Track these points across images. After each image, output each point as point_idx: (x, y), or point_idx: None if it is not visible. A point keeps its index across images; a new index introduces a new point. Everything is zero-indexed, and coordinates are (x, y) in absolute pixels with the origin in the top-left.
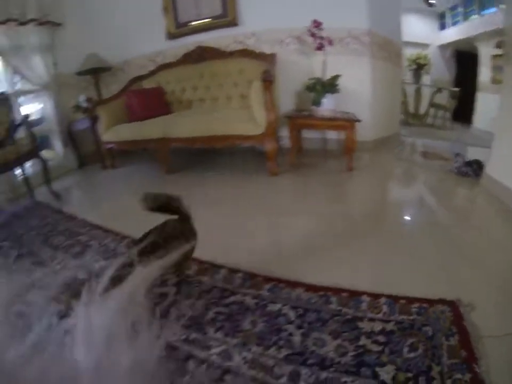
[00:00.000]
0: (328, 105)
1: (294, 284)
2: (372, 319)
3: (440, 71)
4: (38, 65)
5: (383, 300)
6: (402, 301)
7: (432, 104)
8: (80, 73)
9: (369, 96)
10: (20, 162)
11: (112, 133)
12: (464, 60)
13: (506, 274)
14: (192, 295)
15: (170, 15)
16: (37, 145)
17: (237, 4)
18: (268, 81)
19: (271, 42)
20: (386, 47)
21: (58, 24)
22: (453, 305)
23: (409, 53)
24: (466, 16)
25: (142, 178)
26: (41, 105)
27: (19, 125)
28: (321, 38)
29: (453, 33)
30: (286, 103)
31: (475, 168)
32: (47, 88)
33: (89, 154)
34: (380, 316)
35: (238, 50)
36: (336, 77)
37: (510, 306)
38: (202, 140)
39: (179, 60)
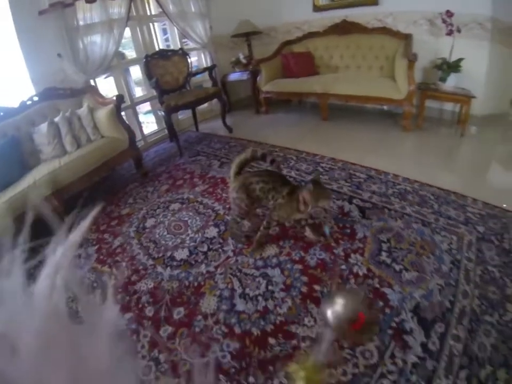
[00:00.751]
0: (451, 82)
1: None
2: None
3: None
4: (198, 28)
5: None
6: None
7: None
8: (235, 36)
9: (484, 77)
10: (204, 101)
11: (273, 85)
12: None
13: None
14: None
15: None
16: (219, 89)
17: None
18: (411, 61)
19: (406, 22)
20: (508, 33)
21: None
22: None
23: None
24: None
25: (298, 123)
26: (203, 60)
27: (195, 74)
28: (451, 25)
29: None
30: (415, 76)
31: None
32: (206, 47)
33: (236, 101)
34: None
35: (379, 28)
36: (460, 60)
37: None
38: (356, 98)
39: (326, 30)
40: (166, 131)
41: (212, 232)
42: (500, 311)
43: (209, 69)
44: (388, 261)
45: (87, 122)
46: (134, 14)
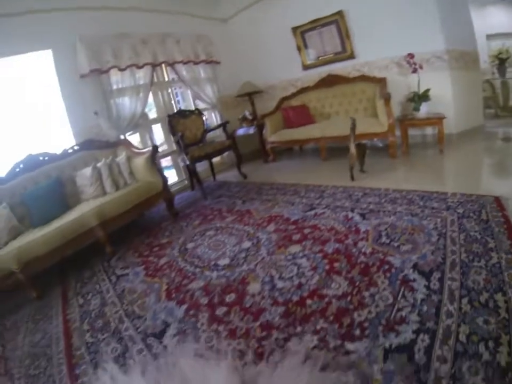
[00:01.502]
0: (424, 110)
1: None
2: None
3: None
4: (208, 91)
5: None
6: None
7: None
8: (239, 96)
9: (451, 100)
10: (221, 152)
11: (277, 135)
12: None
13: None
14: None
15: (303, 52)
16: (233, 142)
17: (352, 43)
18: (386, 99)
19: (379, 68)
20: (462, 58)
21: (218, 62)
22: None
23: (495, 45)
24: None
25: (302, 165)
26: (213, 118)
27: (210, 130)
28: (415, 64)
29: None
30: (394, 110)
31: None
32: (215, 107)
33: (244, 155)
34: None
35: (358, 76)
36: (427, 90)
37: None
38: (347, 137)
39: (315, 84)
40: (186, 182)
41: (247, 244)
42: (486, 258)
43: (223, 125)
44: (387, 241)
45: (124, 168)
46: (155, 80)
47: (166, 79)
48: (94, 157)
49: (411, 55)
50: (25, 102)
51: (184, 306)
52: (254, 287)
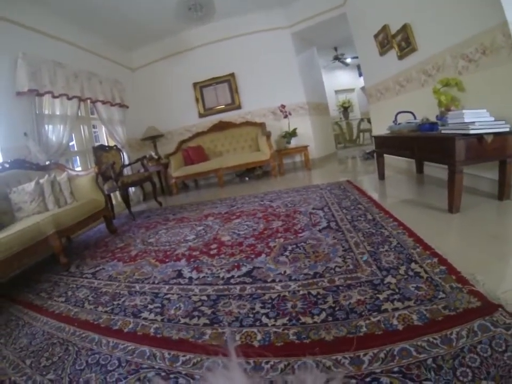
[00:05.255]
0: (293, 142)
1: None
2: None
3: (364, 104)
4: (119, 132)
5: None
6: None
7: (360, 130)
8: (143, 139)
9: (312, 135)
10: (143, 181)
11: (180, 171)
12: None
13: None
14: None
15: (200, 103)
16: (151, 173)
17: (240, 96)
18: (267, 136)
19: (259, 115)
20: (318, 107)
21: (127, 107)
22: None
23: (341, 97)
24: None
25: (201, 194)
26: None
27: (128, 164)
28: (286, 111)
29: None
30: (273, 145)
31: (370, 155)
32: (123, 147)
33: (148, 191)
34: None
35: (243, 122)
36: (295, 129)
37: None
38: (240, 165)
39: (209, 129)
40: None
41: (200, 228)
42: (344, 203)
43: (142, 159)
44: (292, 206)
45: (65, 187)
46: (79, 114)
47: (90, 115)
48: (27, 177)
49: (283, 105)
50: None
51: (183, 260)
52: (226, 238)
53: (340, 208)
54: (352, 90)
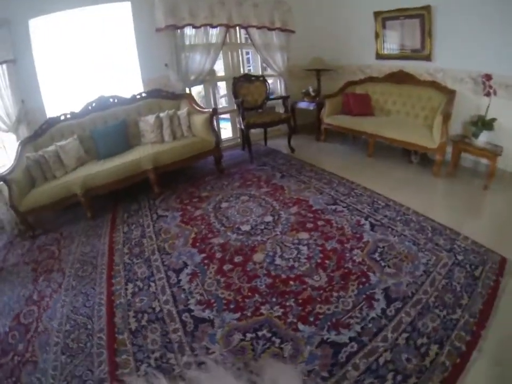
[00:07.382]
0: (482, 138)
1: None
2: None
3: None
4: (278, 58)
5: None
6: None
7: None
8: (308, 70)
9: None
10: (276, 124)
11: (333, 119)
12: None
13: None
14: None
15: (380, 40)
16: (290, 116)
17: (433, 43)
18: (445, 116)
19: (453, 78)
20: None
21: (293, 32)
22: None
23: None
24: None
25: (347, 154)
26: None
27: (271, 98)
28: (490, 87)
29: None
30: (455, 127)
31: None
32: (282, 75)
33: (301, 126)
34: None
35: (429, 81)
36: (493, 119)
37: None
38: (398, 142)
39: (384, 77)
40: (239, 140)
41: (269, 218)
42: (449, 311)
43: (283, 98)
44: (378, 258)
45: (184, 122)
46: (227, 41)
47: (239, 41)
48: (158, 105)
49: (488, 76)
50: (101, 48)
51: (203, 255)
52: (258, 257)
53: (412, 325)
54: None
